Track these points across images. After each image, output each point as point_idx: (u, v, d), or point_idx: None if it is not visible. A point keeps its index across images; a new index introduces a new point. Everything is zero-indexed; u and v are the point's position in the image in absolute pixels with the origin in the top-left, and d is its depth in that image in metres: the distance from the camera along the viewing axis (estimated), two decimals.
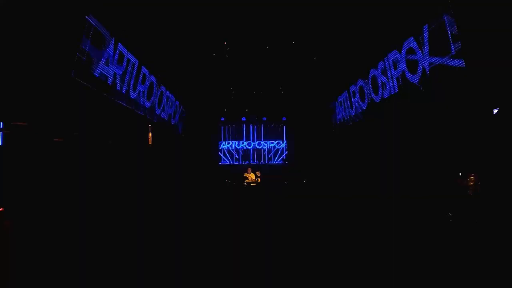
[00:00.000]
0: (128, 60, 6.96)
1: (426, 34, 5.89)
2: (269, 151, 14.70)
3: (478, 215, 4.69)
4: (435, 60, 5.71)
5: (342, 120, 11.87)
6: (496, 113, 4.70)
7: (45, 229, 4.19)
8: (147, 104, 8.65)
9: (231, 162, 14.59)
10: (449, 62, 5.29)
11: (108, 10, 5.61)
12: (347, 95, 11.05)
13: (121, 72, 6.70)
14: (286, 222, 6.55)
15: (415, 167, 6.52)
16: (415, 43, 6.30)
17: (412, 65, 6.54)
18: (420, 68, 6.28)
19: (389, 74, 7.65)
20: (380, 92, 8.31)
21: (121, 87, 6.83)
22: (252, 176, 11.32)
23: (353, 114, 10.69)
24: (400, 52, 6.99)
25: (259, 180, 11.24)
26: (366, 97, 9.32)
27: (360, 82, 9.67)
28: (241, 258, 4.48)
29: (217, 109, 14.12)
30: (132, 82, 7.35)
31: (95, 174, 5.61)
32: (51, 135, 4.83)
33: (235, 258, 4.47)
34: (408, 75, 6.78)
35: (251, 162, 14.41)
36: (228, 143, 14.68)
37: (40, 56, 4.26)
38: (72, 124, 5.27)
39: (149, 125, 9.32)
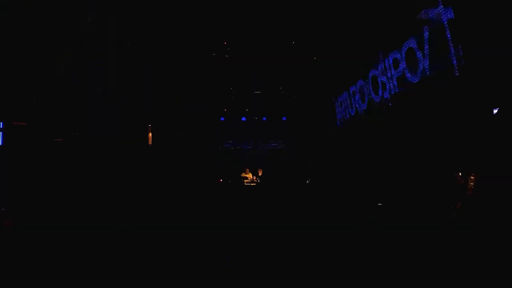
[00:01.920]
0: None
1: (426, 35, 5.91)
2: (269, 150, 14.72)
3: None
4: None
5: (342, 120, 11.86)
6: (496, 113, 4.70)
7: (45, 228, 4.18)
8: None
9: (231, 161, 14.60)
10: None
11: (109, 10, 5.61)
12: (347, 95, 11.03)
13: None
14: None
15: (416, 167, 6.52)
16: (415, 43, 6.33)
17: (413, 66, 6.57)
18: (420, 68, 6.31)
19: (389, 75, 7.67)
20: (380, 92, 8.32)
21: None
22: (250, 176, 11.36)
23: (353, 113, 10.69)
24: (400, 53, 7.01)
25: (257, 180, 11.20)
26: (366, 97, 9.32)
27: (360, 82, 9.67)
28: None
29: (217, 109, 14.13)
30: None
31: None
32: (51, 135, 4.83)
33: None
34: (408, 76, 6.80)
35: (251, 162, 14.43)
36: (228, 143, 14.69)
37: (40, 57, 4.26)
38: (72, 124, 5.26)
39: (149, 125, 9.32)
